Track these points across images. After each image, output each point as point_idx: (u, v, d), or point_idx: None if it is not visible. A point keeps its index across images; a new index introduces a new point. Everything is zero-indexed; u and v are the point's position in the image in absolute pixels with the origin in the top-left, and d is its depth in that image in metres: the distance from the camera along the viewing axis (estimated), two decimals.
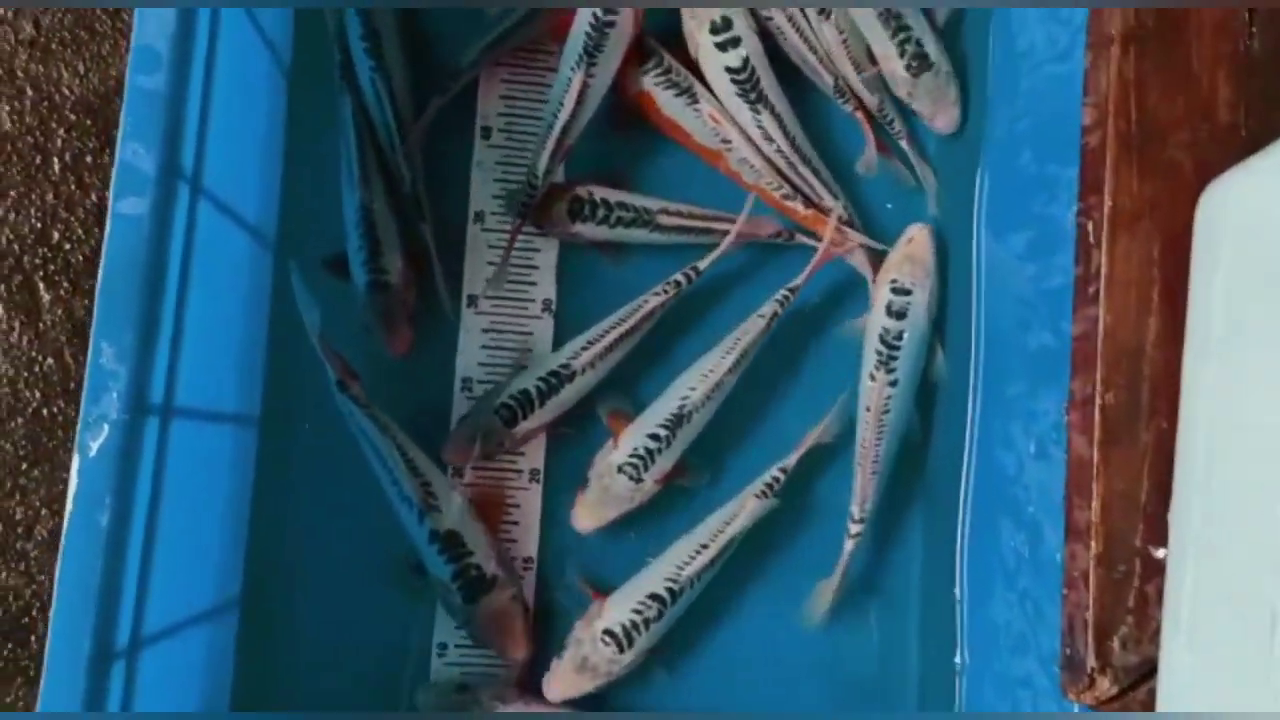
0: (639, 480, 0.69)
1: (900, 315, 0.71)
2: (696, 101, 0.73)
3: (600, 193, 0.74)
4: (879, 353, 0.70)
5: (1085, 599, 0.50)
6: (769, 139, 0.74)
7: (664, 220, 0.74)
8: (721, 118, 0.73)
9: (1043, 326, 0.59)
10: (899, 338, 0.70)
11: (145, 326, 0.52)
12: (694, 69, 0.75)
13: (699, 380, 0.70)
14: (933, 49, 0.71)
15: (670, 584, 0.68)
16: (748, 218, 0.73)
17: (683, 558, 0.69)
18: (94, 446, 0.51)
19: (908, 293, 0.71)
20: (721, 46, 0.72)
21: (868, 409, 0.70)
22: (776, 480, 0.71)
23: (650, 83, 0.74)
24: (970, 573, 0.68)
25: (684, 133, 0.74)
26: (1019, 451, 0.61)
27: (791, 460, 0.71)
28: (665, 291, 0.72)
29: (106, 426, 0.51)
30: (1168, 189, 0.51)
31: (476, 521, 0.69)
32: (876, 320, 0.71)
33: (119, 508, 0.51)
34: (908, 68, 0.71)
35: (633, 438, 0.70)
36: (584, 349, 0.71)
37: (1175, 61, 0.52)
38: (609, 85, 0.72)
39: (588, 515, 0.70)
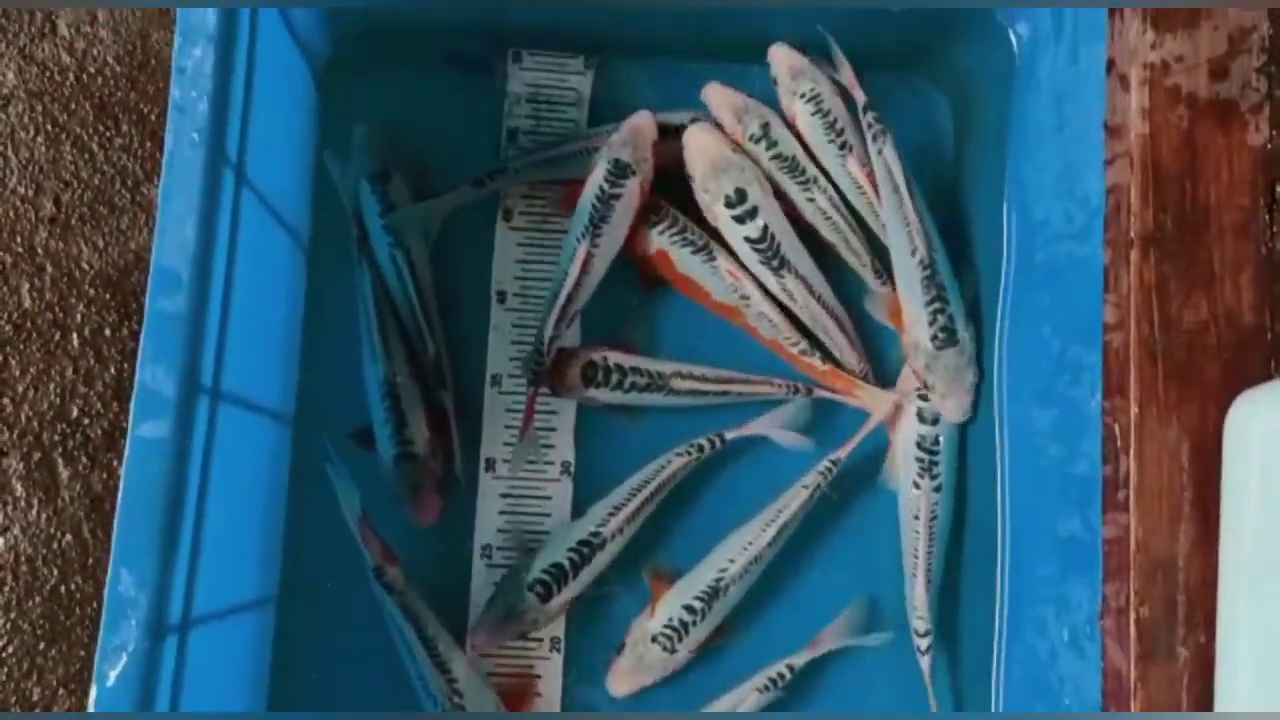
0: (673, 651, 0.69)
1: (935, 420, 0.71)
2: (714, 259, 0.73)
3: (614, 358, 0.74)
4: (919, 460, 0.71)
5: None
6: (792, 298, 0.74)
7: (678, 384, 0.74)
8: (739, 274, 0.73)
9: (1071, 514, 0.58)
10: (936, 442, 0.71)
11: (165, 550, 0.52)
12: (706, 226, 0.75)
13: (738, 553, 0.70)
14: (962, 326, 0.69)
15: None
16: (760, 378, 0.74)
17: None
18: (111, 676, 0.50)
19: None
20: (739, 219, 0.72)
21: (915, 517, 0.70)
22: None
23: (666, 242, 0.74)
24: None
25: (701, 290, 0.75)
26: (1052, 639, 0.60)
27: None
28: (689, 453, 0.72)
29: (125, 655, 0.51)
30: (1195, 393, 0.51)
31: (500, 708, 0.68)
32: (910, 431, 0.71)
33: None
34: (934, 338, 0.68)
35: (669, 607, 0.70)
36: (610, 515, 0.71)
37: (1196, 264, 0.52)
38: (616, 252, 0.73)
39: (622, 682, 0.70)
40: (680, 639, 0.69)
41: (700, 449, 0.73)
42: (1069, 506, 0.59)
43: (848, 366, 0.75)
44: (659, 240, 0.74)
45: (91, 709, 0.50)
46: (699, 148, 0.72)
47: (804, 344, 0.74)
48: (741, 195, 0.72)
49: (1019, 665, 0.65)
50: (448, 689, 0.67)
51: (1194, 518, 0.50)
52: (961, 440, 0.73)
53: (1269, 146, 0.51)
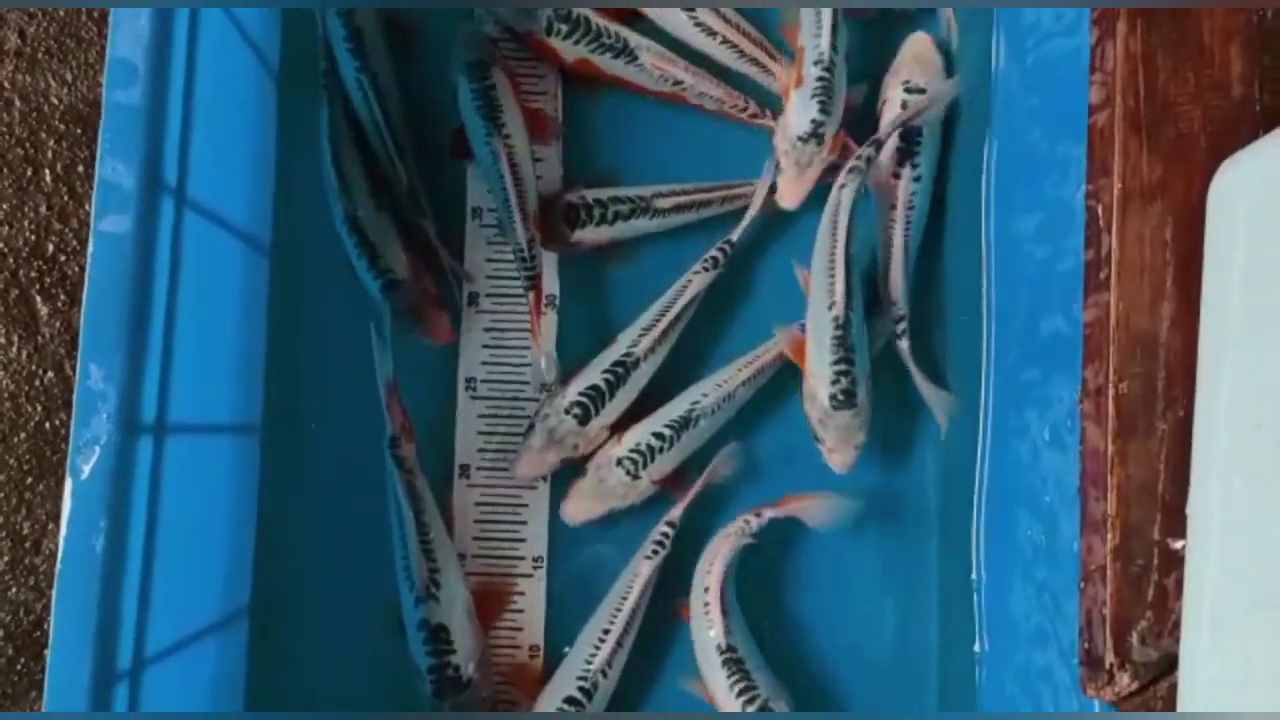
0: (636, 476, 0.69)
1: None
2: (637, 57, 0.72)
3: (592, 194, 0.73)
4: (900, 150, 0.70)
5: (1102, 593, 0.48)
6: (711, 33, 0.72)
7: (661, 204, 0.73)
8: (664, 64, 0.72)
9: (1055, 312, 0.57)
10: (919, 133, 0.70)
11: (133, 346, 0.52)
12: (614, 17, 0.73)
13: (713, 389, 0.70)
14: (862, 391, 0.67)
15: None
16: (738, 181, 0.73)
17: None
18: (86, 469, 0.50)
19: (921, 90, 0.71)
20: None
21: (893, 206, 0.70)
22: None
23: (584, 50, 0.72)
24: (988, 560, 0.67)
25: (636, 85, 0.73)
26: (1034, 439, 0.60)
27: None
28: (705, 269, 0.71)
29: (98, 449, 0.50)
30: (1180, 168, 0.49)
31: (472, 622, 0.67)
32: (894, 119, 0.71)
33: (113, 530, 0.51)
34: (832, 397, 0.66)
35: (637, 434, 0.69)
36: (641, 335, 0.70)
37: (1186, 36, 0.50)
38: (527, 133, 0.72)
39: (578, 506, 0.70)
40: (645, 465, 0.69)
41: (715, 261, 0.72)
42: (1052, 305, 0.58)
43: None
44: (576, 50, 0.72)
45: (66, 502, 0.50)
46: None
47: (752, 107, 0.73)
48: None
49: (1002, 470, 0.65)
50: (428, 576, 0.66)
51: (1175, 294, 0.49)
52: (942, 216, 0.73)
53: None
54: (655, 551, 0.68)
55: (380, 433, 0.67)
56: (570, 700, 0.66)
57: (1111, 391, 0.49)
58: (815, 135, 0.69)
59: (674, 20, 0.73)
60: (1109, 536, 0.48)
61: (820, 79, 0.69)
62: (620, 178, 0.74)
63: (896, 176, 0.70)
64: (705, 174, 0.74)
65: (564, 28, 0.71)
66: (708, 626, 0.66)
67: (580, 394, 0.69)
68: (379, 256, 0.69)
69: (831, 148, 0.69)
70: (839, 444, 0.68)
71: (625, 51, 0.71)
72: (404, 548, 0.66)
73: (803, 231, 0.72)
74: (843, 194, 0.67)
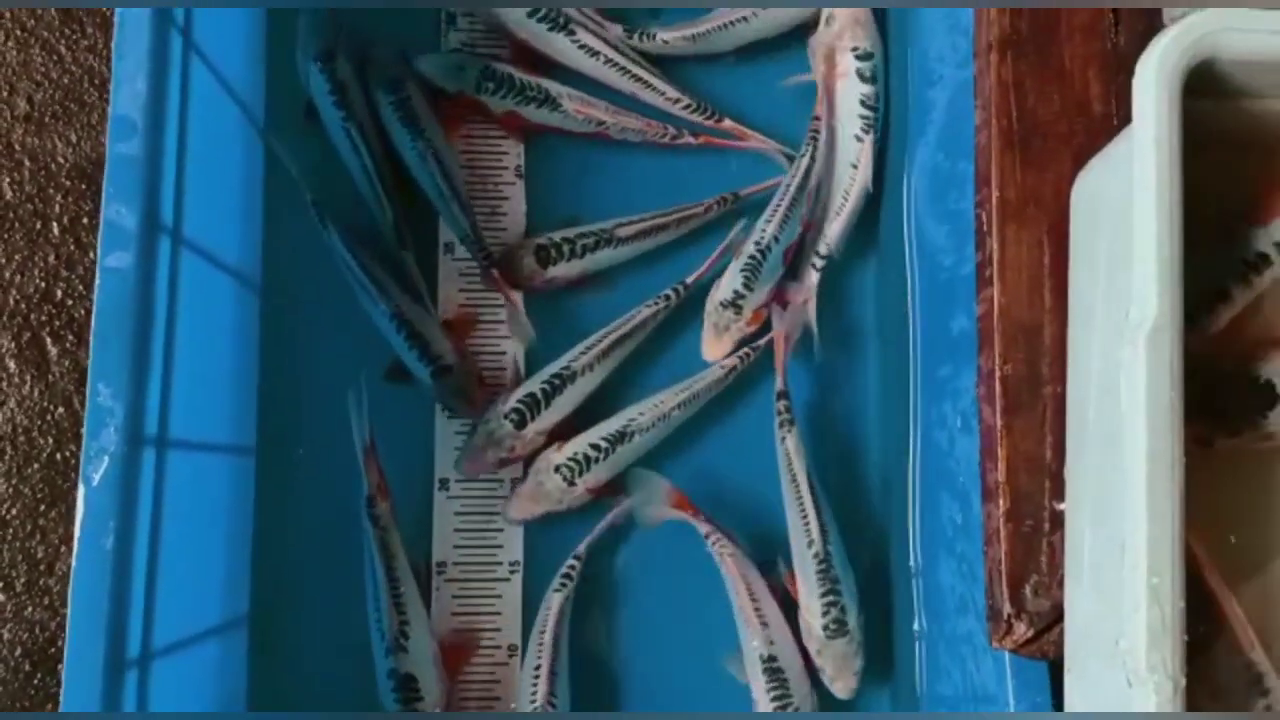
0: (572, 484, 0.75)
1: (873, 79, 0.77)
2: (560, 105, 0.79)
3: (559, 234, 0.79)
4: (864, 117, 0.77)
5: (999, 553, 0.54)
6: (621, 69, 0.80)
7: (622, 233, 0.80)
8: (586, 108, 0.79)
9: (960, 311, 0.64)
10: (876, 98, 0.77)
11: (137, 367, 0.58)
12: (535, 71, 0.80)
13: (649, 409, 0.76)
14: (853, 618, 0.72)
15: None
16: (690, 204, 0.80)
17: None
18: (96, 477, 0.57)
19: (870, 56, 0.77)
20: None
21: (854, 166, 0.77)
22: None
23: (511, 104, 0.79)
24: (922, 544, 0.73)
25: (564, 130, 0.81)
26: (950, 428, 0.66)
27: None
28: (656, 304, 0.78)
29: (106, 459, 0.57)
30: (1049, 178, 0.56)
31: (439, 670, 0.73)
32: (854, 89, 0.77)
33: (122, 531, 0.57)
34: (825, 628, 0.72)
35: (576, 444, 0.75)
36: (582, 353, 0.77)
37: (1049, 62, 0.57)
38: (443, 133, 0.79)
39: (520, 507, 0.76)
40: (580, 473, 0.75)
41: (667, 298, 0.78)
42: (959, 306, 0.65)
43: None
44: (502, 105, 0.79)
45: (80, 508, 0.57)
46: None
47: (671, 131, 0.81)
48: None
49: (928, 459, 0.71)
50: (398, 629, 0.71)
51: (1050, 287, 0.55)
52: (876, 229, 0.80)
53: None
54: (563, 585, 0.74)
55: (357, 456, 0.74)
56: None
57: (998, 374, 0.55)
58: (734, 305, 0.77)
59: (586, 64, 0.80)
60: (1001, 502, 0.54)
61: (752, 258, 0.77)
62: (581, 219, 0.81)
63: (859, 140, 0.77)
64: (657, 203, 0.81)
65: (490, 85, 0.79)
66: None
67: (519, 400, 0.76)
68: (429, 346, 0.75)
69: (750, 320, 0.77)
70: (839, 672, 0.73)
71: (548, 100, 0.79)
72: (376, 601, 0.72)
73: None
74: (787, 444, 0.74)
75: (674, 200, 0.81)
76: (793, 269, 0.79)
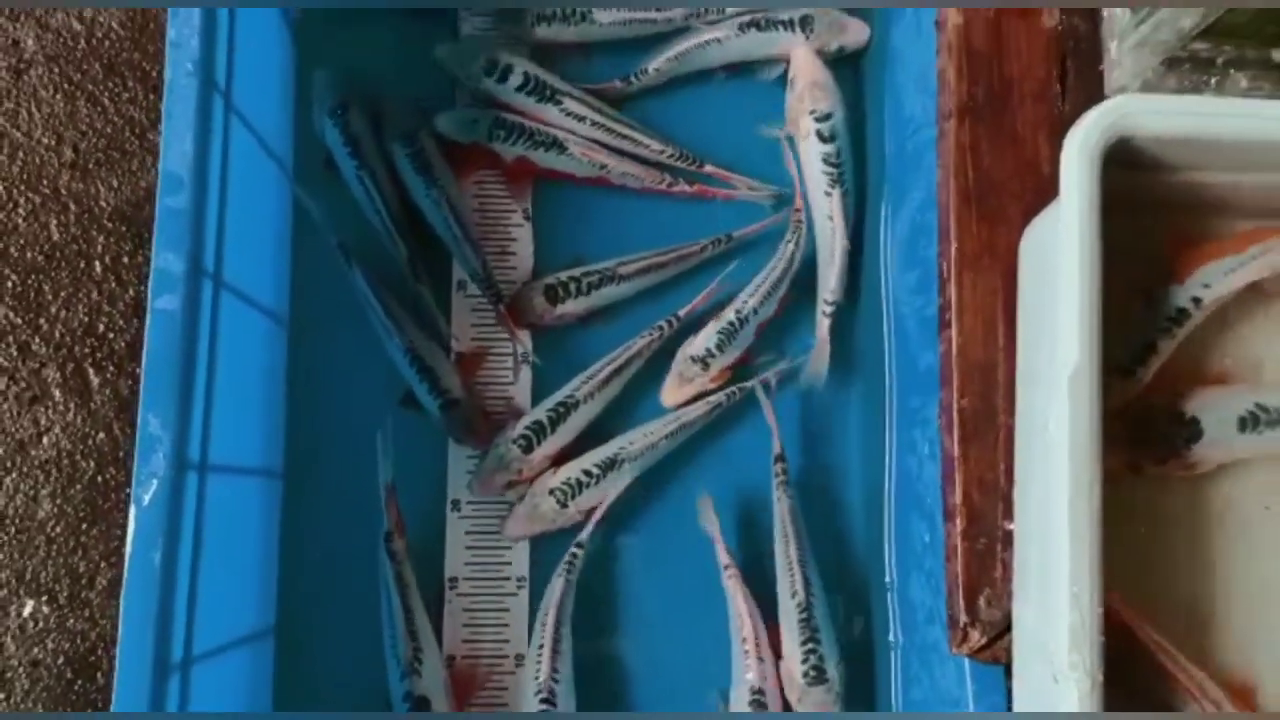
0: (565, 506, 0.81)
1: (832, 137, 0.83)
2: (566, 148, 0.85)
3: (564, 274, 0.86)
4: (828, 174, 0.83)
5: (957, 568, 0.60)
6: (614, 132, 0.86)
7: (624, 270, 0.86)
8: (590, 152, 0.86)
9: (927, 348, 0.70)
10: (839, 155, 0.83)
11: (183, 399, 0.65)
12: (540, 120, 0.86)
13: (640, 438, 0.82)
14: (832, 666, 0.76)
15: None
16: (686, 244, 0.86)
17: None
18: (146, 498, 0.63)
19: (829, 116, 0.84)
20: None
21: (830, 218, 0.83)
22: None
23: (521, 150, 0.86)
24: (896, 561, 0.79)
25: (571, 176, 0.87)
26: (919, 454, 0.72)
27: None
28: (651, 335, 0.85)
29: (155, 482, 0.63)
30: (1002, 231, 0.62)
31: (449, 696, 0.79)
32: (815, 148, 0.84)
33: (168, 548, 0.63)
34: (805, 675, 0.76)
35: (569, 469, 0.82)
36: (584, 382, 0.83)
37: (1003, 127, 0.63)
38: (453, 180, 0.85)
39: (516, 525, 0.82)
40: (573, 496, 0.81)
41: (660, 329, 0.85)
42: (927, 344, 0.71)
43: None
44: (512, 151, 0.85)
45: (130, 527, 0.63)
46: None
47: (668, 179, 0.87)
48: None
49: (901, 483, 0.77)
50: (412, 655, 0.78)
51: (1002, 329, 0.62)
52: (859, 273, 0.86)
53: (1059, 28, 0.63)
54: (566, 570, 0.80)
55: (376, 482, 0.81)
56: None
57: (956, 407, 0.62)
58: (703, 361, 0.84)
59: (577, 129, 0.87)
60: (959, 522, 0.61)
61: (731, 324, 0.84)
62: (585, 259, 0.87)
63: (828, 195, 0.84)
64: (652, 244, 0.88)
65: (501, 133, 0.85)
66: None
67: (526, 427, 0.82)
68: (439, 380, 0.82)
69: (715, 377, 0.84)
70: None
71: (555, 145, 0.86)
72: (392, 629, 0.79)
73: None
74: (782, 504, 0.80)
75: (667, 241, 0.88)
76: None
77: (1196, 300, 0.58)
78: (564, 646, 0.79)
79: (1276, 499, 0.60)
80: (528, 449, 0.82)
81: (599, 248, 0.88)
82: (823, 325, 0.85)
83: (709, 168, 0.88)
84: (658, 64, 0.88)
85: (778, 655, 0.79)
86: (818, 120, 0.83)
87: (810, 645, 0.77)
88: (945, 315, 0.63)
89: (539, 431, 0.82)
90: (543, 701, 0.78)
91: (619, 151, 0.88)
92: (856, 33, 0.87)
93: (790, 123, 0.86)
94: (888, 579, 0.80)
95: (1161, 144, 0.50)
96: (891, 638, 0.79)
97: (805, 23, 0.87)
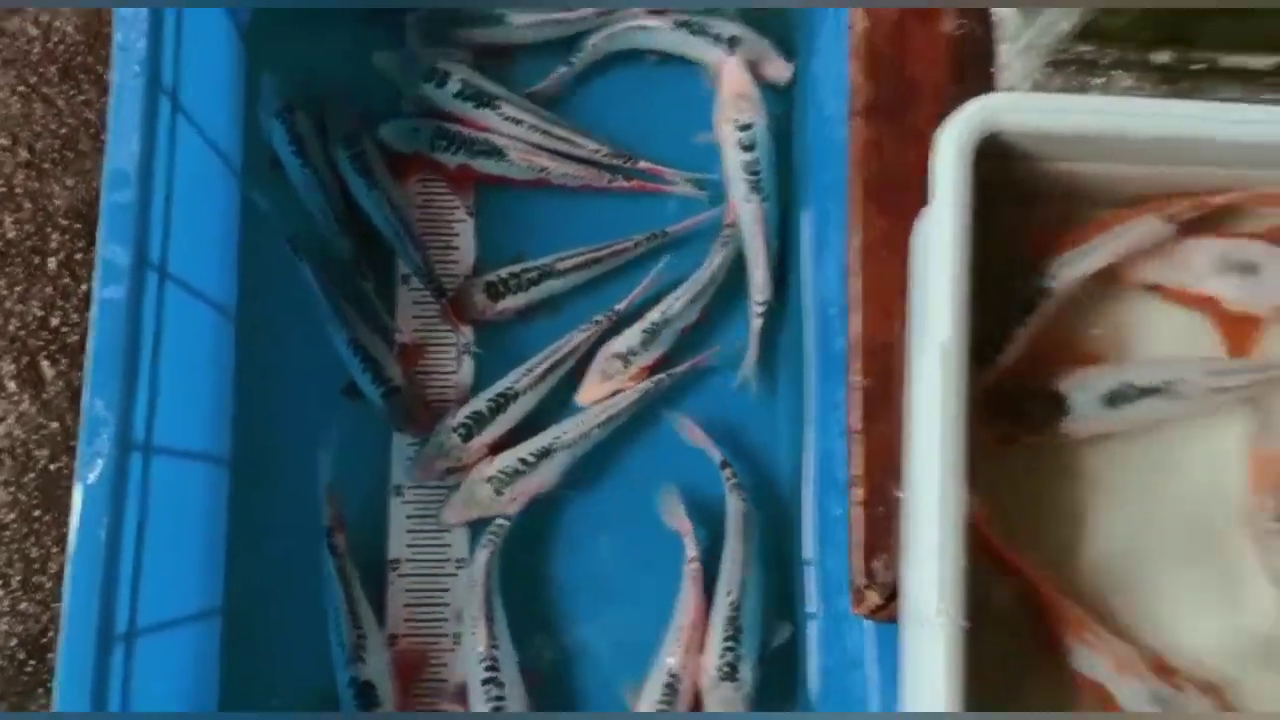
0: (500, 494, 0.85)
1: (753, 146, 0.87)
2: (506, 155, 0.89)
3: (505, 270, 0.90)
4: (748, 181, 0.87)
5: (859, 535, 0.65)
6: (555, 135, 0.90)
7: (562, 266, 0.90)
8: (531, 156, 0.89)
9: (838, 334, 0.75)
10: (759, 164, 0.87)
11: (126, 383, 0.68)
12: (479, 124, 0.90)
13: (573, 427, 0.86)
14: (747, 669, 0.79)
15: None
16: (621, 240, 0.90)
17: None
18: (91, 477, 0.66)
19: (750, 126, 0.87)
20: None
21: (756, 223, 0.87)
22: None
23: (463, 158, 0.89)
24: (814, 536, 0.83)
25: (512, 180, 0.91)
26: (832, 433, 0.77)
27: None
28: (589, 329, 0.88)
29: (100, 461, 0.66)
30: (902, 224, 0.66)
31: (393, 681, 0.82)
32: (736, 156, 0.87)
33: (113, 524, 0.66)
34: (719, 669, 0.78)
35: (505, 457, 0.85)
36: (524, 374, 0.87)
37: (904, 125, 0.68)
38: (392, 182, 0.89)
39: (454, 512, 0.86)
40: (508, 484, 0.84)
41: (598, 323, 0.89)
42: (839, 330, 0.76)
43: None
44: (454, 159, 0.89)
45: (76, 505, 0.66)
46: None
47: (606, 177, 0.91)
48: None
49: (820, 463, 0.82)
50: (356, 642, 0.81)
51: (899, 313, 0.65)
52: (785, 266, 0.90)
53: (957, 32, 0.68)
54: (492, 540, 0.84)
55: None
56: (486, 681, 0.81)
57: (859, 386, 0.66)
58: (625, 359, 0.87)
59: (514, 131, 0.91)
60: (859, 492, 0.65)
61: (654, 324, 0.87)
62: (525, 255, 0.91)
63: (748, 202, 0.88)
64: (592, 239, 0.91)
65: (443, 143, 0.89)
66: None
67: (466, 416, 0.86)
68: (381, 369, 0.85)
69: (634, 376, 0.87)
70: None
71: (496, 152, 0.89)
72: (337, 620, 0.82)
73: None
74: (734, 507, 0.83)
75: (609, 236, 0.92)
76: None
77: (1045, 290, 0.62)
78: (498, 614, 0.83)
79: (1147, 466, 0.65)
80: (467, 437, 0.85)
81: (541, 244, 0.91)
82: (754, 325, 0.89)
83: (643, 164, 0.92)
84: (595, 40, 0.92)
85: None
86: (739, 130, 0.87)
87: (731, 644, 0.80)
88: (851, 302, 0.67)
89: (478, 421, 0.86)
90: (488, 669, 0.81)
91: (557, 153, 0.91)
92: (778, 70, 0.91)
93: (715, 130, 0.89)
94: (808, 555, 0.84)
95: (1029, 138, 0.55)
96: (810, 609, 0.83)
97: (734, 43, 0.90)
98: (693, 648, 0.81)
